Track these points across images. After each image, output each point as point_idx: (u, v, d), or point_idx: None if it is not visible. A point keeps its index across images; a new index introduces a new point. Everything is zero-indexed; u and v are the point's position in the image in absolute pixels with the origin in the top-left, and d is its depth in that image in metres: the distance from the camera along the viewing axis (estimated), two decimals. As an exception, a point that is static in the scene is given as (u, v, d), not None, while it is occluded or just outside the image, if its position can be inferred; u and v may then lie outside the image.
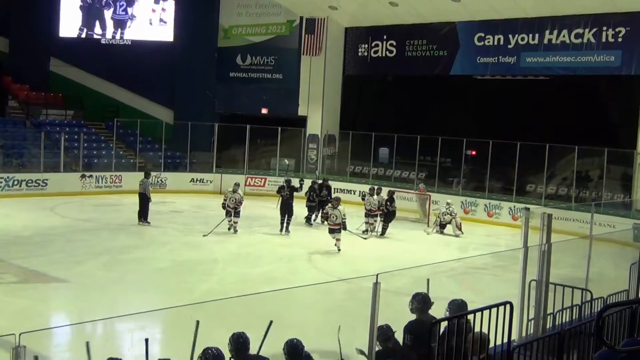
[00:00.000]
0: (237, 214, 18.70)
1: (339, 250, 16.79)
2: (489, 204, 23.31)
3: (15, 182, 23.97)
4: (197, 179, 27.65)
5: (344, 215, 17.09)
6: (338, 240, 16.96)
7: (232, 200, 18.65)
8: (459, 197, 23.95)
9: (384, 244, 18.35)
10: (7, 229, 18.12)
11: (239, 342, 6.18)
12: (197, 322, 6.12)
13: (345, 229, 17.16)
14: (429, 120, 25.88)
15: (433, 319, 6.60)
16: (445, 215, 20.35)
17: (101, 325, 10.48)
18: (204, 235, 17.62)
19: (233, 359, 6.19)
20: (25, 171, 24.71)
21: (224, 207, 18.83)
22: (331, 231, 17.06)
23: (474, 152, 25.43)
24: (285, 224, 19.23)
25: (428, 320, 6.52)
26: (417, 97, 27.10)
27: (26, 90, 29.92)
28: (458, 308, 6.75)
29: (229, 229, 18.53)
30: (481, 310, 5.43)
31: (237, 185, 19.44)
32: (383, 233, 19.52)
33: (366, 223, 19.47)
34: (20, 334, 3.32)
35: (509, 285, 8.47)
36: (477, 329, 5.76)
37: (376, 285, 4.55)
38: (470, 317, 5.83)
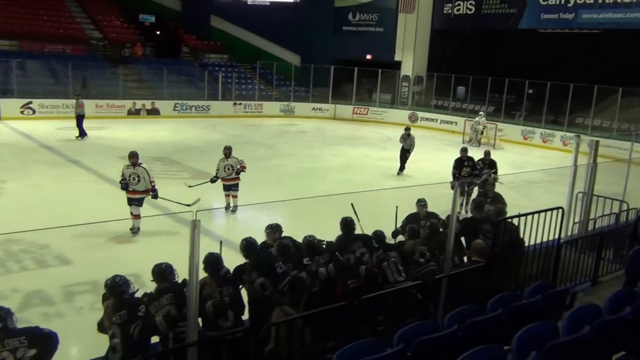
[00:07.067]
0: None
1: (233, 211, 10.86)
2: (544, 132, 22.15)
3: (187, 107, 24.89)
4: (317, 108, 27.63)
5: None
6: (234, 197, 10.87)
7: None
8: (520, 127, 22.90)
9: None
10: (182, 140, 18.99)
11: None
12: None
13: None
14: (498, 64, 24.51)
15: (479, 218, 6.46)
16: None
17: (245, 210, 10.88)
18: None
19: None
20: (193, 99, 25.44)
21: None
22: (226, 188, 10.95)
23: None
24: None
25: (477, 218, 6.38)
26: (489, 46, 25.66)
27: (194, 40, 30.51)
28: (498, 212, 6.59)
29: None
30: (538, 212, 5.22)
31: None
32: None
33: None
34: (196, 212, 3.49)
35: (557, 197, 8.07)
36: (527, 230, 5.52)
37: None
38: (528, 218, 5.60)
